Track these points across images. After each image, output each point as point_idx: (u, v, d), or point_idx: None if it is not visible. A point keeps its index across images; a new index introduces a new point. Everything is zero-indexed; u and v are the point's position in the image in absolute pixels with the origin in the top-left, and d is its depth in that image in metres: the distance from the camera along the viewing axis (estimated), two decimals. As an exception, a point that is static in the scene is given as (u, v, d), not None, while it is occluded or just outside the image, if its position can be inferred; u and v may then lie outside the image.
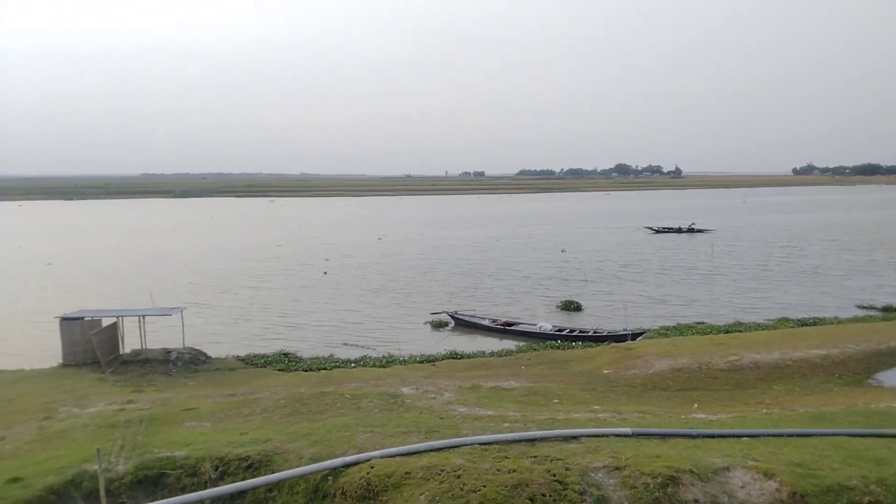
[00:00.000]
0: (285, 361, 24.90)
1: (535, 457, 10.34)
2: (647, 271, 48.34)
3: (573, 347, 25.75)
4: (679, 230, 77.82)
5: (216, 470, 11.41)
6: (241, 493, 10.54)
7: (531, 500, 9.26)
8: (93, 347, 22.99)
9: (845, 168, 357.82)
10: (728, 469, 9.97)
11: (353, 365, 24.14)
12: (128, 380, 21.52)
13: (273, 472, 10.82)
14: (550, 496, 9.31)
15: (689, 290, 40.50)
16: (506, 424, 12.94)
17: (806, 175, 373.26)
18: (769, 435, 11.66)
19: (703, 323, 30.55)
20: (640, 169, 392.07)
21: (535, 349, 25.73)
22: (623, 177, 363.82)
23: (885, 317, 31.32)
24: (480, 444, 11.06)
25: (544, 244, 66.82)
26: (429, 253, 60.96)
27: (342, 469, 10.47)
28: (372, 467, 10.31)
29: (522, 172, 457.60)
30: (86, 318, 23.86)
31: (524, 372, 21.33)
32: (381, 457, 10.62)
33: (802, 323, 29.58)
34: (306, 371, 23.35)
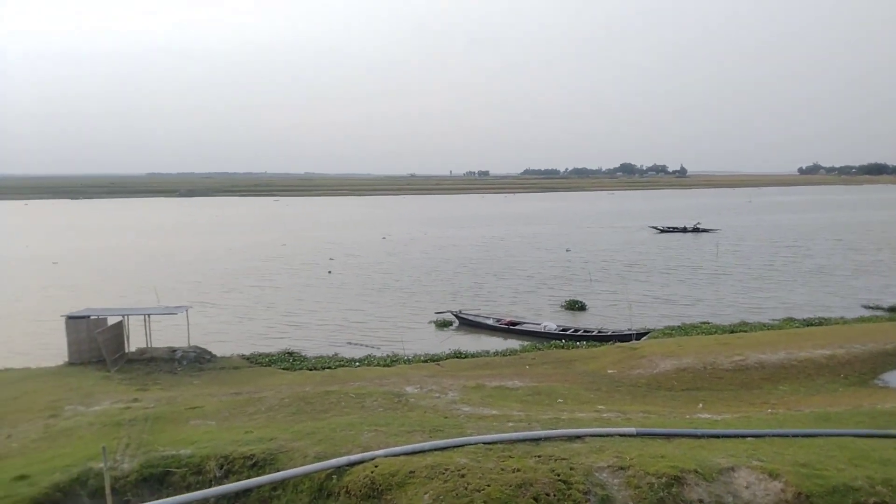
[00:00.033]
0: (290, 360, 24.95)
1: (539, 456, 10.34)
2: (651, 271, 48.24)
3: (577, 347, 25.71)
4: (684, 230, 77.63)
5: (221, 468, 11.44)
6: (246, 492, 10.57)
7: (535, 499, 9.26)
8: (98, 346, 23.07)
9: (851, 168, 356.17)
10: (733, 469, 9.95)
11: (357, 364, 24.17)
12: (133, 378, 21.58)
13: (277, 471, 10.85)
14: (555, 496, 9.31)
15: (694, 290, 40.40)
16: (510, 424, 12.94)
17: (812, 175, 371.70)
18: (774, 435, 11.63)
19: (708, 323, 30.47)
20: (644, 168, 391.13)
21: (539, 349, 25.70)
22: (628, 176, 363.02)
23: (891, 317, 31.18)
24: (484, 443, 11.07)
25: (549, 243, 66.75)
26: (433, 252, 60.97)
27: (346, 468, 10.50)
28: (376, 466, 10.33)
29: (527, 172, 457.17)
30: (91, 317, 23.93)
31: (528, 371, 21.32)
32: (386, 456, 10.64)
33: (808, 323, 29.47)
34: (311, 370, 23.38)
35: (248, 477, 10.94)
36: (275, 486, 10.58)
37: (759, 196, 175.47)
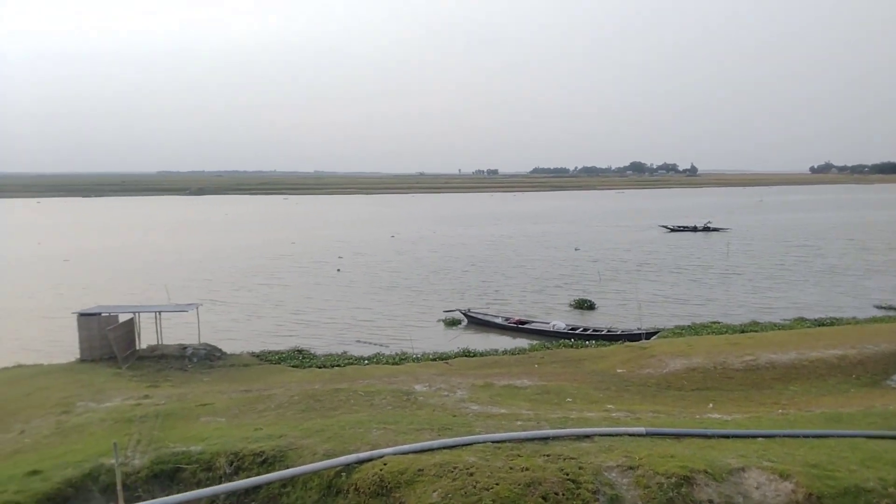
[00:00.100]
0: (299, 358, 25.05)
1: (548, 455, 10.32)
2: (661, 270, 48.04)
3: (587, 346, 25.64)
4: (694, 229, 77.24)
5: (231, 465, 11.50)
6: (256, 488, 10.62)
7: (544, 498, 9.24)
8: (109, 343, 23.23)
9: (864, 166, 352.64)
10: (743, 470, 9.89)
11: (366, 362, 24.22)
12: (144, 375, 21.73)
13: (287, 468, 10.88)
14: (563, 495, 9.29)
15: (704, 290, 40.20)
16: (518, 423, 12.92)
17: (823, 174, 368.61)
18: (785, 436, 11.55)
19: (719, 322, 30.30)
20: (655, 167, 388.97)
21: (548, 348, 25.66)
22: (638, 175, 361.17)
23: (903, 317, 30.91)
24: (493, 442, 11.06)
25: (558, 242, 66.60)
26: (442, 251, 60.98)
27: (355, 465, 10.52)
28: (385, 464, 10.35)
29: (536, 170, 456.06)
30: (103, 314, 24.10)
31: (537, 370, 21.29)
32: (395, 454, 10.65)
33: (819, 323, 29.25)
34: (320, 368, 23.45)
35: (258, 474, 10.97)
36: (284, 483, 10.61)
37: (770, 195, 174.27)
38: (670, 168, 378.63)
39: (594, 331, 28.62)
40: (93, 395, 18.51)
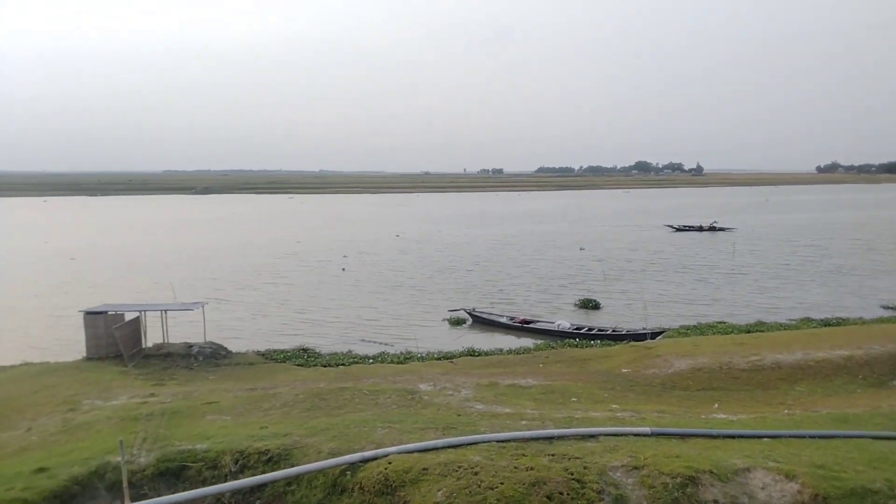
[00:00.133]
0: (304, 357, 25.12)
1: (552, 455, 10.31)
2: (667, 270, 47.93)
3: (591, 346, 25.63)
4: (700, 228, 77.02)
5: (236, 463, 11.53)
6: (261, 487, 10.64)
7: (548, 498, 9.23)
8: (116, 341, 23.32)
9: (871, 166, 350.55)
10: (748, 470, 9.86)
11: (371, 361, 24.26)
12: (150, 373, 21.81)
13: (292, 466, 10.90)
14: (568, 494, 9.28)
15: (709, 290, 40.08)
16: (523, 422, 12.91)
17: (830, 173, 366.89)
18: (791, 436, 11.51)
19: (725, 322, 30.23)
20: (660, 166, 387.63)
21: (553, 347, 25.65)
22: (643, 174, 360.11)
23: (910, 318, 30.75)
24: (498, 441, 11.04)
25: (563, 242, 66.52)
26: (446, 250, 60.98)
27: (360, 464, 10.53)
28: (390, 463, 10.35)
29: (541, 170, 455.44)
30: (109, 313, 24.20)
31: (542, 370, 21.27)
32: (399, 452, 10.65)
33: (826, 323, 29.15)
34: (325, 367, 23.51)
35: (263, 472, 11.00)
36: (289, 481, 10.63)
37: (777, 195, 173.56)
38: (676, 167, 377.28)
39: (599, 330, 28.58)
40: (99, 393, 18.59)
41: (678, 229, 78.12)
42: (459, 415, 14.16)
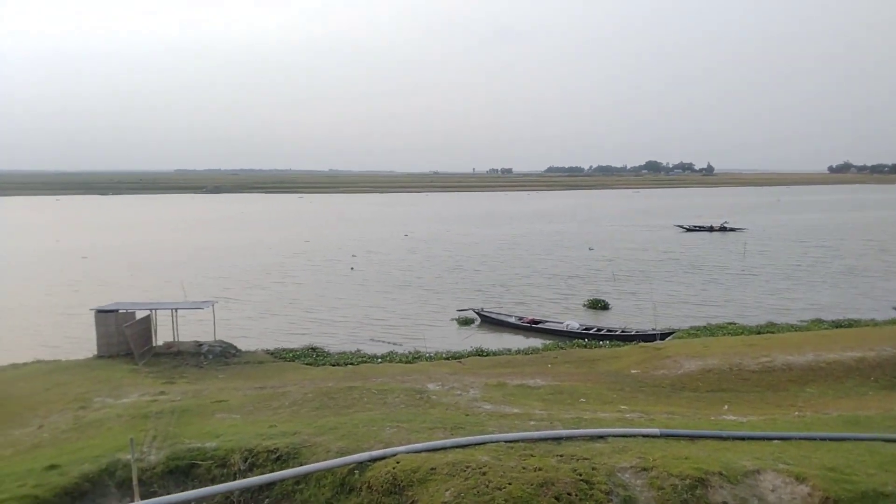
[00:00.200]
0: (313, 356, 25.18)
1: (561, 456, 10.29)
2: (677, 270, 47.71)
3: (600, 346, 25.55)
4: (710, 229, 76.61)
5: (245, 461, 11.58)
6: (270, 485, 10.68)
7: (557, 498, 9.21)
8: (126, 339, 23.49)
9: (884, 166, 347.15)
10: (758, 472, 9.79)
11: (379, 360, 24.30)
12: (160, 371, 21.94)
13: (301, 465, 10.94)
14: (576, 495, 9.25)
15: (720, 290, 39.87)
16: (532, 423, 12.89)
17: (842, 173, 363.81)
18: (801, 438, 11.42)
19: (735, 323, 30.06)
20: (671, 166, 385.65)
21: (561, 348, 25.59)
22: (653, 174, 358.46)
23: (923, 320, 30.44)
24: (506, 441, 11.03)
25: (572, 242, 66.36)
26: (455, 250, 60.98)
27: (368, 463, 10.55)
28: (398, 462, 10.36)
29: (550, 169, 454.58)
30: (120, 311, 24.38)
31: (550, 370, 21.23)
32: (407, 452, 10.66)
33: (837, 324, 28.93)
34: (334, 366, 23.57)
35: (272, 470, 11.04)
36: (298, 480, 10.66)
37: (788, 195, 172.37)
38: (686, 167, 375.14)
39: (608, 331, 28.50)
40: (110, 390, 18.73)
41: (688, 229, 77.74)
42: (468, 415, 14.16)
